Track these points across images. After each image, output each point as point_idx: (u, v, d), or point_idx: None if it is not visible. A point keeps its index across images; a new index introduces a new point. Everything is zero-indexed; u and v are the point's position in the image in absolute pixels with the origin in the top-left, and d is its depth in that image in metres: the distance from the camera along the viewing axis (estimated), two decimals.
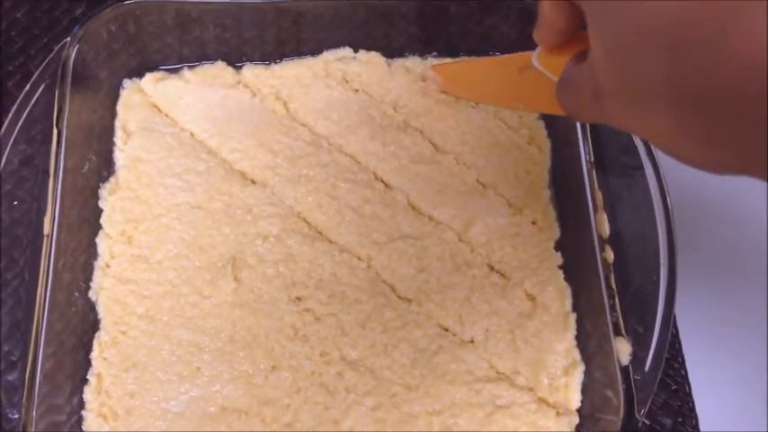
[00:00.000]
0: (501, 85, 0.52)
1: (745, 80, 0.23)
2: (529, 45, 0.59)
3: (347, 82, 0.60)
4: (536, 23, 0.38)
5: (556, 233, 0.55)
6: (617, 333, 0.46)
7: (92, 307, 0.51)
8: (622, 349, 0.46)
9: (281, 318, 0.50)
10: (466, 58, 0.61)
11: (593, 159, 0.51)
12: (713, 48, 0.24)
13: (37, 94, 0.54)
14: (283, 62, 0.60)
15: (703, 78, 0.25)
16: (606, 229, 0.50)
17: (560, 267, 0.53)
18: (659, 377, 0.48)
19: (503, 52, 0.61)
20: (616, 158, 0.54)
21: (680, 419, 0.54)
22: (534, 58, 0.41)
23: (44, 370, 0.45)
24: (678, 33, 0.25)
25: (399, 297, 0.52)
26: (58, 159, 0.50)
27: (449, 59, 0.61)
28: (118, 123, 0.57)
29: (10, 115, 0.53)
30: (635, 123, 0.30)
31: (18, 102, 0.54)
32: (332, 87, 0.59)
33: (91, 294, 0.51)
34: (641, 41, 0.27)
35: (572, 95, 0.35)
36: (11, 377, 0.47)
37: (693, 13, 0.24)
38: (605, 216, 0.50)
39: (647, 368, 0.48)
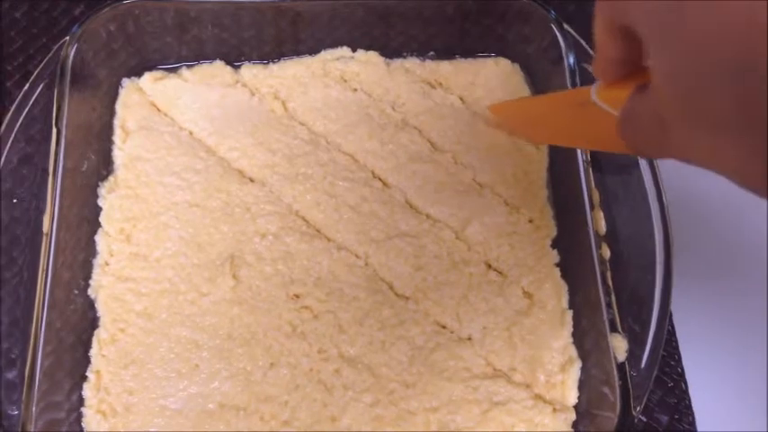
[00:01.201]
0: (560, 123, 0.49)
1: None
2: (525, 46, 0.59)
3: (345, 81, 0.60)
4: (594, 56, 0.36)
5: (552, 231, 0.55)
6: (613, 330, 0.47)
7: (91, 305, 0.51)
8: (619, 346, 0.46)
9: (279, 315, 0.51)
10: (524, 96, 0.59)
11: (589, 158, 0.52)
12: None
13: (36, 94, 0.54)
14: (281, 61, 0.61)
15: None
16: (602, 227, 0.50)
17: (557, 265, 0.53)
18: (655, 374, 0.48)
19: (499, 52, 0.62)
20: (613, 157, 0.54)
21: (676, 416, 0.54)
22: (593, 92, 0.39)
23: (43, 367, 0.45)
24: (748, 52, 0.23)
25: (397, 294, 0.52)
26: (57, 158, 0.50)
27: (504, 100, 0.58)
28: (117, 122, 0.57)
29: (9, 114, 0.54)
30: (703, 155, 0.28)
31: (17, 101, 0.54)
32: (330, 87, 0.59)
33: (90, 292, 0.51)
34: (707, 65, 0.25)
35: (634, 130, 0.33)
36: (10, 375, 0.47)
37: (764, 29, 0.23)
38: (602, 214, 0.50)
39: (643, 365, 0.48)
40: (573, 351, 0.50)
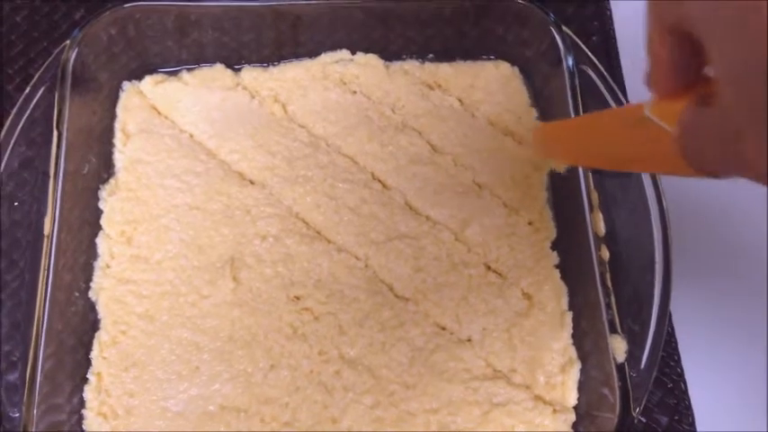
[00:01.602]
0: (611, 145, 0.45)
1: None
2: (524, 49, 0.59)
3: (345, 84, 0.60)
4: (647, 67, 0.32)
5: (552, 233, 0.55)
6: (613, 331, 0.47)
7: (92, 307, 0.51)
8: (618, 347, 0.46)
9: (279, 317, 0.51)
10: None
11: None
12: None
13: (37, 97, 0.54)
14: (281, 64, 0.61)
15: None
16: (602, 228, 0.50)
17: (556, 266, 0.54)
18: (655, 375, 0.48)
19: (498, 55, 0.62)
20: None
21: (676, 417, 0.54)
22: (647, 108, 0.35)
23: (44, 369, 0.46)
24: None
25: (397, 296, 0.52)
26: (58, 161, 0.50)
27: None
28: (117, 125, 0.58)
29: (10, 118, 0.54)
30: None
31: (18, 104, 0.54)
32: (330, 89, 0.59)
33: (91, 294, 0.51)
34: None
35: (699, 145, 0.29)
36: (12, 377, 0.47)
37: None
38: (601, 215, 0.51)
39: (642, 366, 0.48)
40: (573, 352, 0.51)
